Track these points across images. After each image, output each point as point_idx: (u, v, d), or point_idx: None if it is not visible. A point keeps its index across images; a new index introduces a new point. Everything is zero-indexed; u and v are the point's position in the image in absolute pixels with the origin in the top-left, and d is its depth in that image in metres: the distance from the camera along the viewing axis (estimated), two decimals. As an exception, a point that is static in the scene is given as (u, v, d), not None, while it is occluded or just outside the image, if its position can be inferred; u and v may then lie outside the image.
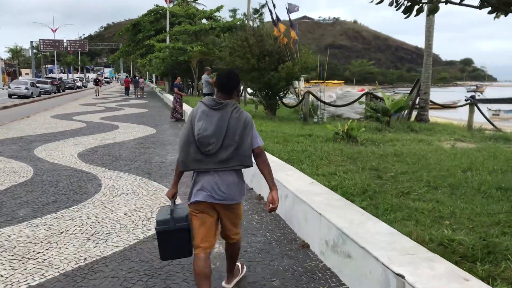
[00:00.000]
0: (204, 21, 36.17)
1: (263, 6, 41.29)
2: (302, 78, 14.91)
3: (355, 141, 9.08)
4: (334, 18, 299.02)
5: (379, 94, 13.56)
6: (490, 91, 72.68)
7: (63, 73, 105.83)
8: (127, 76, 61.05)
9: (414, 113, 14.58)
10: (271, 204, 2.94)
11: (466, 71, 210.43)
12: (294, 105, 14.72)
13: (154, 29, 42.20)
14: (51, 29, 76.98)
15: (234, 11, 43.60)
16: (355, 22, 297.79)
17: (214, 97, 2.97)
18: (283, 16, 15.22)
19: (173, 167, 5.77)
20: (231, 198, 2.92)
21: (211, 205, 2.92)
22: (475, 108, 13.64)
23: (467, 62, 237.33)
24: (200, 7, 36.23)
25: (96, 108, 22.56)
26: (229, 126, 2.84)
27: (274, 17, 14.80)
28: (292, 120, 14.47)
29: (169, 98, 27.15)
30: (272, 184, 2.99)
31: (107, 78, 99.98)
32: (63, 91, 46.60)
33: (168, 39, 35.50)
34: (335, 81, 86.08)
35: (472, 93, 43.02)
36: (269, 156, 6.60)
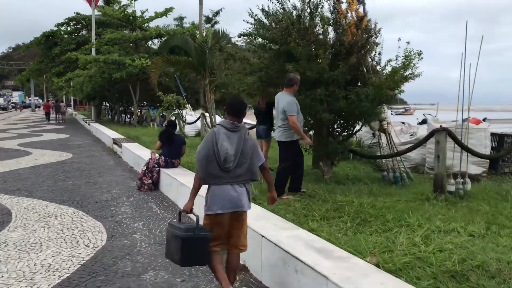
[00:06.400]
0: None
1: (217, 13, 33.47)
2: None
3: None
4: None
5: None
6: (418, 114, 70.53)
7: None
8: (48, 100, 53.16)
9: None
10: (271, 199, 3.67)
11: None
12: (381, 155, 7.61)
13: (74, 42, 32.79)
14: None
15: (180, 19, 35.18)
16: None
17: (228, 120, 3.36)
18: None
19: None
20: (242, 206, 3.33)
21: (225, 215, 3.29)
22: None
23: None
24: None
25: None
26: (243, 147, 3.31)
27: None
28: (368, 182, 7.40)
29: (101, 130, 18.74)
30: (272, 188, 3.67)
31: (15, 103, 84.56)
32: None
33: (94, 50, 26.75)
34: None
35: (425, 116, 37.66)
36: None
